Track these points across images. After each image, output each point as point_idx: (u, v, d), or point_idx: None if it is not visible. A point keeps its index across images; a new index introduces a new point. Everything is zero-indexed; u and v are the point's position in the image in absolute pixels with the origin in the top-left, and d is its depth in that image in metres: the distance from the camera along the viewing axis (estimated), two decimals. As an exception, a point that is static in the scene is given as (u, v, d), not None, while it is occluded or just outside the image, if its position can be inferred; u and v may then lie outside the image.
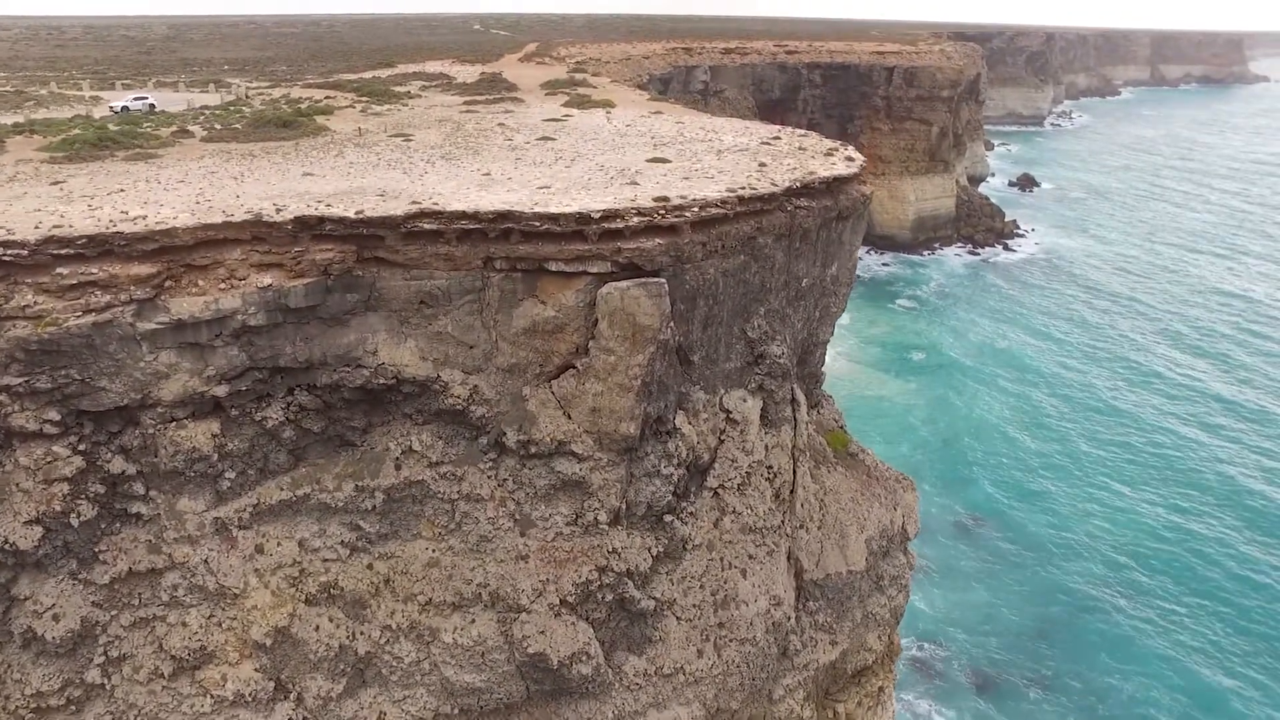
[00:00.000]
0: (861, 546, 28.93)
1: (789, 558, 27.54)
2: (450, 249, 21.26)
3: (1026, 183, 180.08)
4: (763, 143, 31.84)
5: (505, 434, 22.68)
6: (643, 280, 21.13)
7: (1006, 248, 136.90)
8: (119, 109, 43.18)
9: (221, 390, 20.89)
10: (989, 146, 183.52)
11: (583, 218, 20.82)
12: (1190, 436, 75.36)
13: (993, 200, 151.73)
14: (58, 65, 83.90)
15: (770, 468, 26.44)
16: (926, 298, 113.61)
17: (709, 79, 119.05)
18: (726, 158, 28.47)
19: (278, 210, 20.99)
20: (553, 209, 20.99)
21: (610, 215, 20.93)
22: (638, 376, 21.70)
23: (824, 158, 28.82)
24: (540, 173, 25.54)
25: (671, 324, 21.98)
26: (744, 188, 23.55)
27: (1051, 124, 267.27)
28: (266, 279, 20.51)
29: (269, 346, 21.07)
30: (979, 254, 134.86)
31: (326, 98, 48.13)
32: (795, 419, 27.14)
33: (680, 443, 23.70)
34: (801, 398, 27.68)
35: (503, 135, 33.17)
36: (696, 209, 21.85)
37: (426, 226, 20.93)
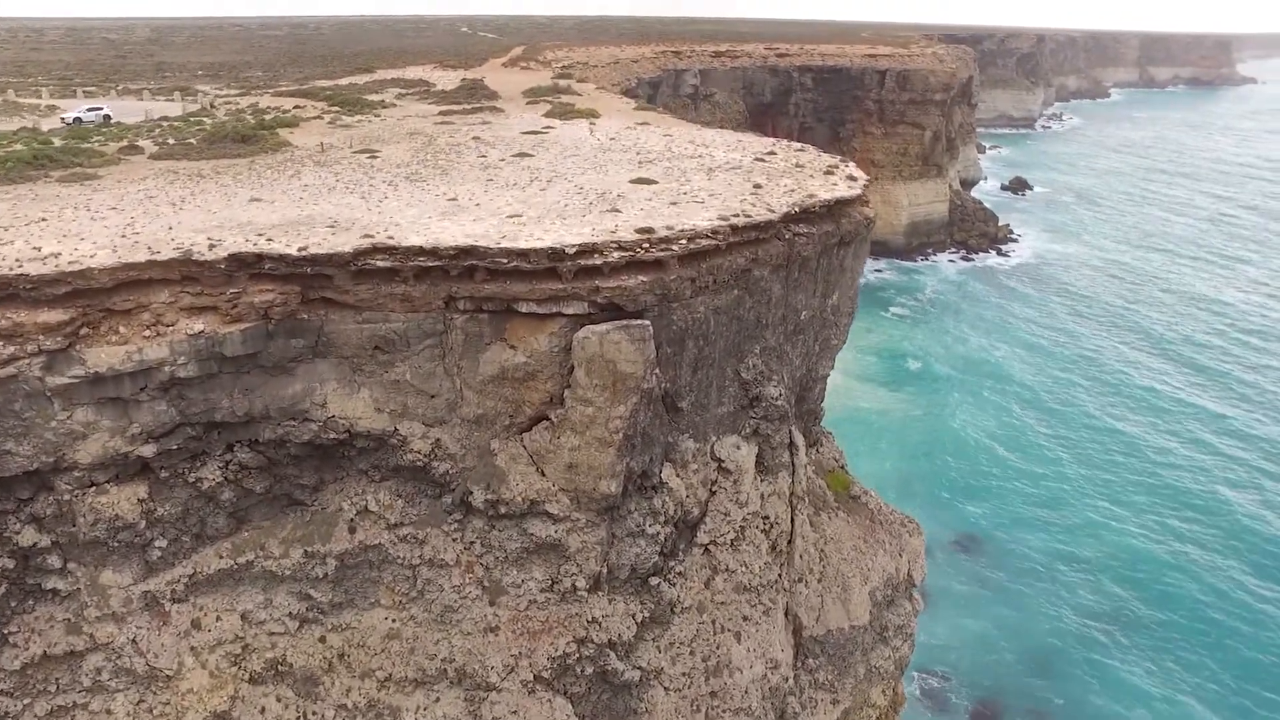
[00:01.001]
0: (865, 599, 26.69)
1: (787, 614, 25.26)
2: (407, 288, 18.88)
3: (1019, 186, 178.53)
4: (756, 159, 29.57)
5: (472, 492, 20.31)
6: (624, 323, 18.81)
7: (1000, 253, 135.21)
8: (71, 120, 40.60)
9: (149, 450, 18.46)
10: (980, 149, 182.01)
11: (556, 254, 18.48)
12: (1186, 452, 73.58)
13: (986, 205, 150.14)
14: (26, 70, 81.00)
15: (766, 518, 24.16)
16: (920, 305, 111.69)
17: (699, 83, 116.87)
18: (718, 177, 26.18)
19: (211, 246, 18.56)
20: (522, 243, 18.64)
21: (587, 250, 18.59)
22: (619, 430, 19.37)
23: (823, 176, 26.55)
24: (512, 197, 23.18)
25: (657, 370, 19.67)
26: (737, 215, 21.25)
27: (1042, 126, 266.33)
28: (198, 324, 18.09)
29: (203, 400, 18.64)
30: (972, 259, 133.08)
31: (295, 107, 45.64)
32: (793, 464, 24.87)
33: (667, 498, 21.39)
34: (800, 440, 25.40)
35: (476, 151, 30.79)
36: (685, 241, 19.54)
37: (380, 264, 18.55)
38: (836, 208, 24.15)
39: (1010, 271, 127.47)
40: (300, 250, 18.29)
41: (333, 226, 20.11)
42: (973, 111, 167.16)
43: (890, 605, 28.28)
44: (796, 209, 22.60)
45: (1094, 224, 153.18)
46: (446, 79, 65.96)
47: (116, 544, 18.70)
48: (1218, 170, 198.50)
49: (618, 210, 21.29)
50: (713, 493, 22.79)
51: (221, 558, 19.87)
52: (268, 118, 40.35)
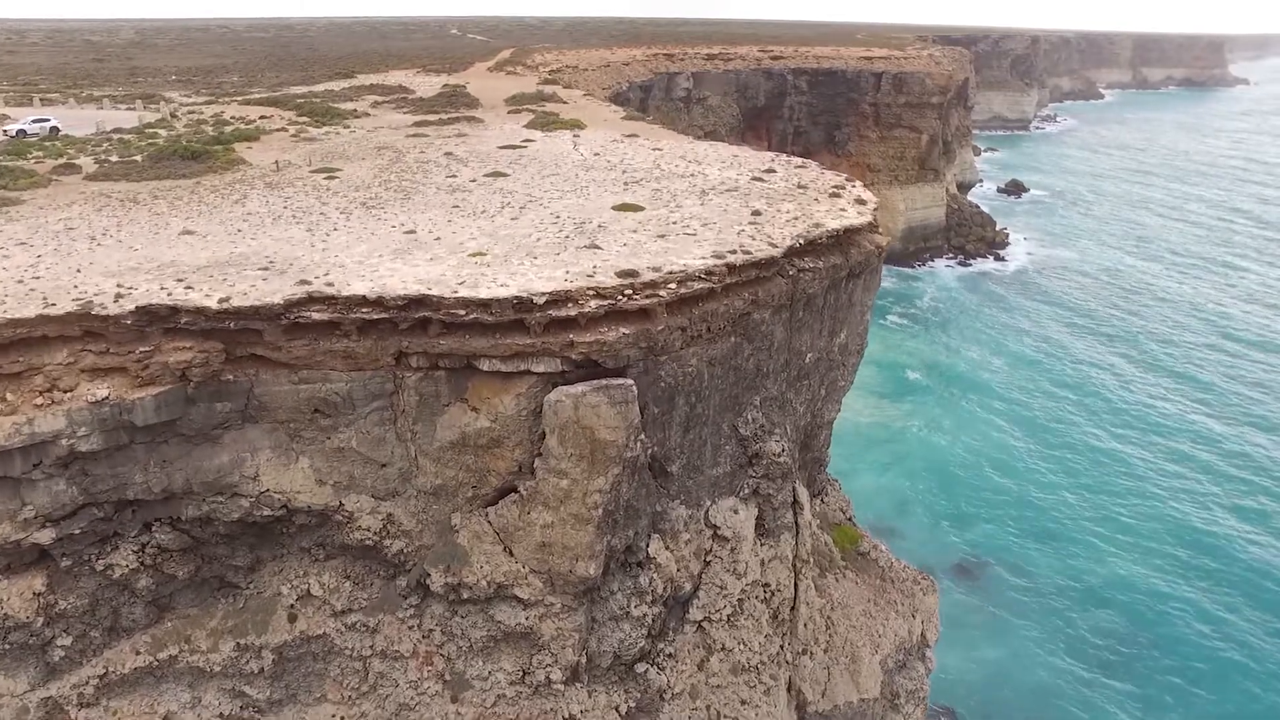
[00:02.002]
0: (875, 669, 24.05)
1: (790, 688, 22.61)
2: (350, 344, 16.15)
3: (1015, 189, 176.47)
4: (754, 178, 26.90)
5: (430, 574, 17.60)
6: (603, 383, 16.13)
7: (998, 258, 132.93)
8: (13, 133, 37.71)
9: (46, 536, 15.70)
10: (976, 151, 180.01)
11: (523, 304, 15.78)
12: (1188, 474, 71.09)
13: (983, 208, 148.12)
14: (-8, 75, 77.90)
15: (767, 585, 21.50)
16: (918, 314, 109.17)
17: (692, 86, 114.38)
18: (712, 201, 23.50)
19: (118, 297, 15.80)
20: (483, 291, 15.93)
21: (560, 300, 15.91)
22: (598, 505, 16.69)
23: (829, 200, 23.90)
24: (479, 229, 20.45)
25: (642, 436, 16.99)
26: (735, 250, 18.57)
27: (1036, 128, 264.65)
28: (102, 389, 15.35)
29: (111, 476, 15.90)
30: (970, 265, 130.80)
31: (261, 118, 42.82)
32: (797, 524, 22.21)
33: (655, 575, 18.71)
34: (804, 496, 22.74)
35: (446, 170, 28.04)
36: (674, 285, 16.86)
37: (316, 316, 15.82)
38: (845, 237, 21.51)
39: (1009, 278, 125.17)
40: (221, 302, 15.53)
41: (266, 269, 17.36)
42: (969, 114, 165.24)
43: (902, 669, 25.67)
44: (801, 241, 19.95)
45: (1090, 228, 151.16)
46: (428, 85, 63.17)
47: (8, 645, 15.93)
48: (1213, 173, 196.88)
49: (597, 246, 18.57)
50: (707, 563, 20.12)
51: (139, 653, 17.12)
52: (228, 130, 37.58)
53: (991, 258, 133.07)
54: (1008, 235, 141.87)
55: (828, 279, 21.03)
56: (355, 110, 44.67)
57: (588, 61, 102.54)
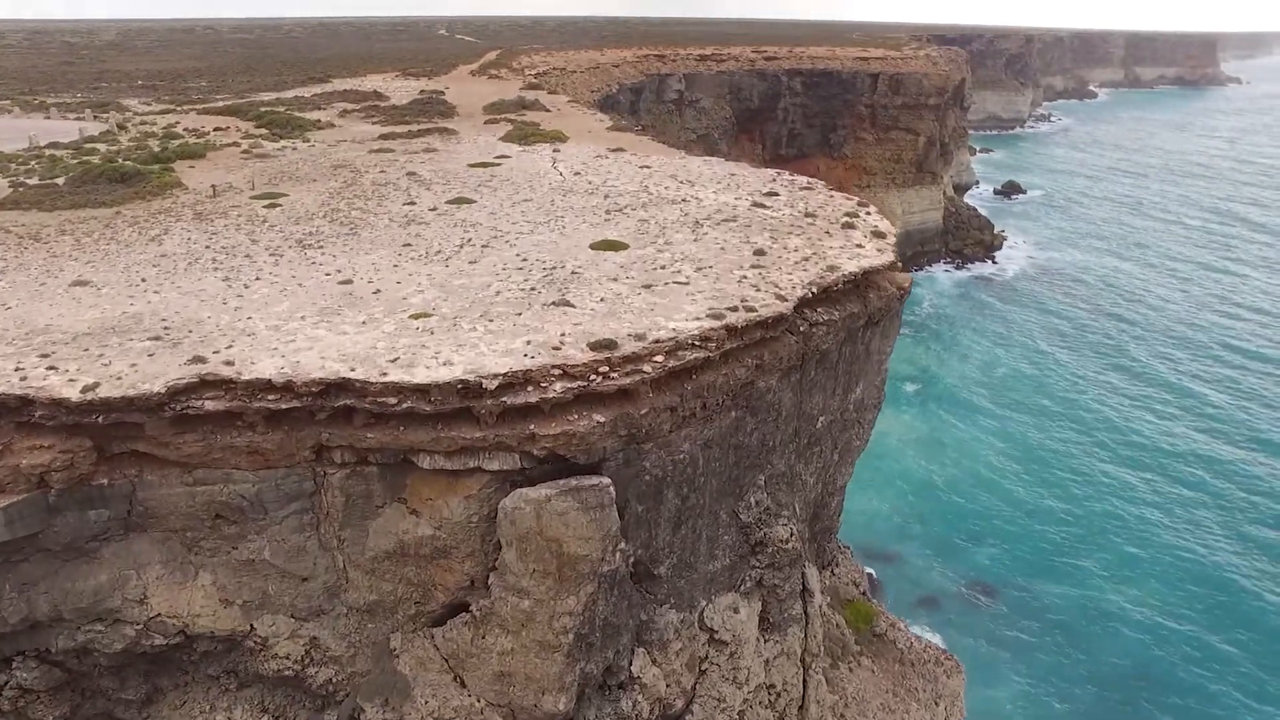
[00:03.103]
0: (898, 772, 20.87)
1: (800, 802, 19.42)
2: (255, 438, 12.88)
3: (1011, 190, 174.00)
4: (754, 203, 23.68)
5: (364, 708, 14.32)
6: (573, 483, 12.90)
7: (996, 262, 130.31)
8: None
9: None
10: (971, 152, 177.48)
11: (470, 389, 12.53)
12: (1209, 487, 68.15)
13: (980, 211, 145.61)
14: (-52, 80, 74.19)
15: (772, 687, 18.30)
16: (918, 321, 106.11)
17: (683, 88, 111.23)
18: (707, 236, 20.26)
19: (-43, 381, 12.49)
20: (419, 373, 12.66)
21: (516, 382, 12.66)
22: (568, 629, 13.45)
23: (842, 232, 20.69)
24: (428, 277, 17.15)
25: (622, 545, 13.77)
26: (735, 306, 15.35)
27: (1030, 127, 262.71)
28: (-65, 500, 12.04)
29: (-48, 605, 12.60)
30: (969, 269, 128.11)
31: (216, 129, 39.43)
32: (806, 614, 19.02)
33: (640, 696, 15.47)
34: (814, 579, 19.55)
35: (405, 195, 24.72)
36: (662, 357, 13.63)
37: (210, 406, 12.54)
38: (864, 279, 18.32)
39: (1009, 283, 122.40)
40: (86, 391, 12.22)
41: (159, 338, 14.06)
42: (965, 115, 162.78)
43: (925, 762, 22.49)
44: (814, 290, 16.74)
45: (1087, 230, 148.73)
46: (404, 90, 59.78)
47: None
48: (1207, 174, 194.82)
49: (568, 304, 15.29)
50: (703, 672, 16.90)
51: (2, 814, 13.82)
52: (173, 145, 34.18)
53: (989, 262, 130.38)
54: (1005, 238, 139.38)
55: (844, 331, 17.86)
56: (319, 121, 41.31)
57: (576, 63, 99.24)
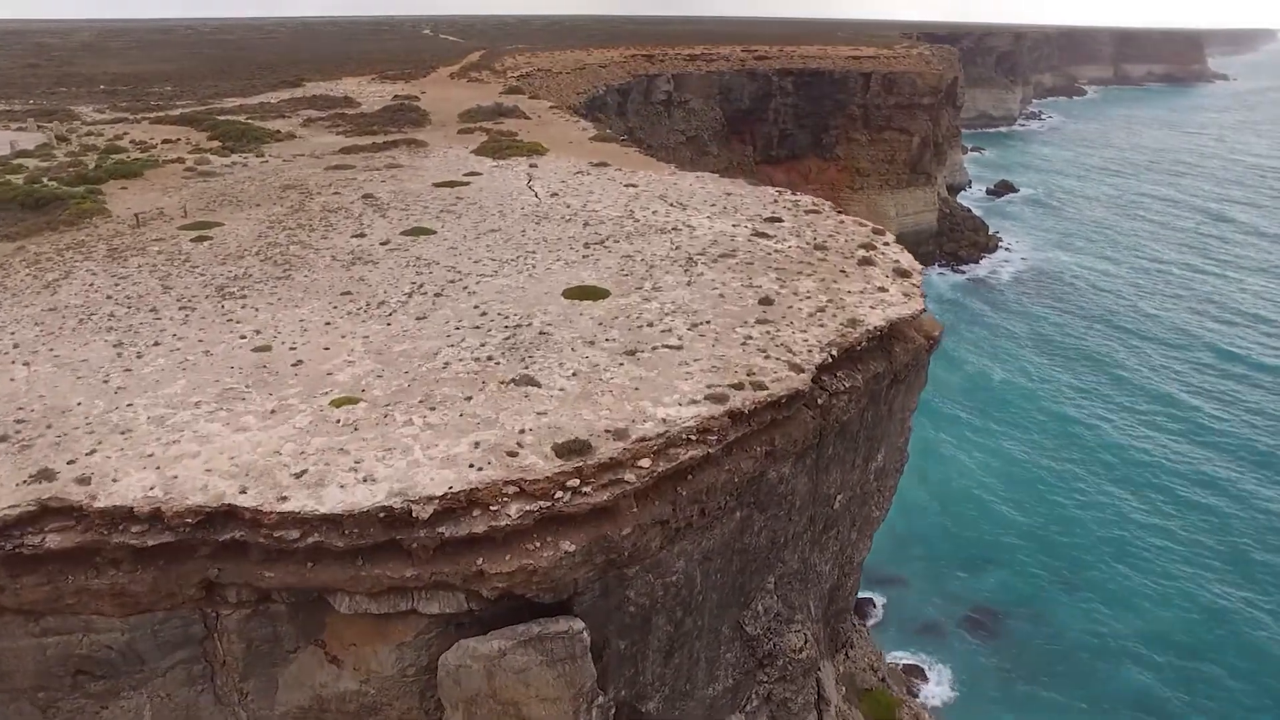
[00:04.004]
0: None
1: None
2: (120, 578, 9.80)
3: (1004, 189, 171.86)
4: (755, 232, 20.66)
5: None
6: (534, 631, 9.88)
7: (991, 264, 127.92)
8: None
9: None
10: (963, 151, 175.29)
11: (396, 518, 9.48)
12: (1221, 506, 65.64)
13: (974, 211, 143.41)
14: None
15: (786, 815, 15.34)
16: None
17: (672, 89, 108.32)
18: (703, 278, 17.23)
19: None
20: (328, 497, 9.60)
21: (457, 507, 9.61)
22: (534, 812, 10.42)
23: (859, 270, 17.71)
24: (364, 341, 14.06)
25: (601, 699, 10.74)
26: (742, 383, 12.33)
27: (1020, 125, 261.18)
28: None
29: None
30: (963, 271, 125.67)
31: (165, 141, 36.16)
32: (825, 726, 16.07)
33: None
34: (830, 683, 16.60)
35: (356, 224, 21.60)
36: (648, 460, 10.60)
37: (55, 543, 9.45)
38: (890, 334, 15.36)
39: (1005, 286, 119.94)
40: (-124, 529, 9.10)
41: (6, 438, 10.93)
42: (958, 114, 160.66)
43: None
44: (834, 353, 13.75)
45: (1085, 228, 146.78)
46: (378, 95, 56.55)
47: None
48: (1198, 172, 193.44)
49: (532, 381, 12.24)
50: (704, 816, 13.91)
51: None
52: (111, 161, 30.92)
53: (985, 264, 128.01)
54: (1000, 240, 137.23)
55: (866, 396, 14.89)
56: (279, 131, 38.04)
57: (562, 64, 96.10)
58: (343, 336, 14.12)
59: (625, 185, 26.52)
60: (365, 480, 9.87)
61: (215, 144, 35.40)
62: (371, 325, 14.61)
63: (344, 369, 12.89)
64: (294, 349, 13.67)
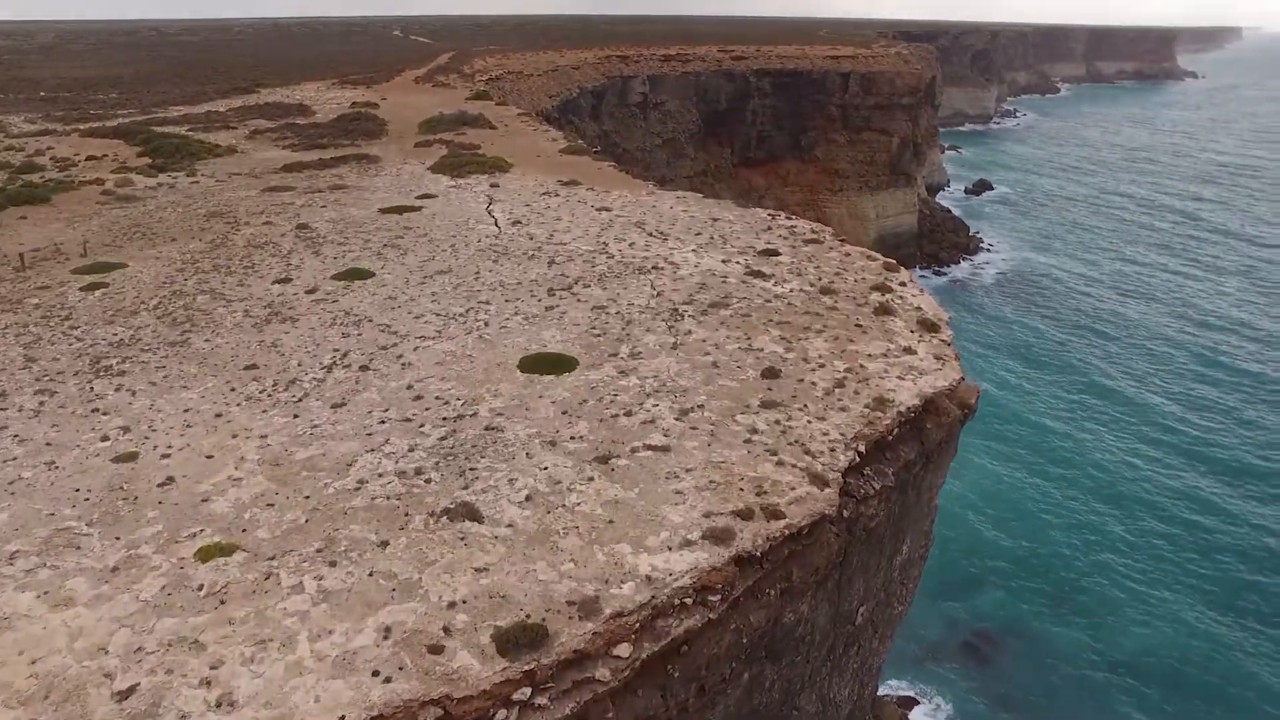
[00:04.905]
0: None
1: None
2: None
3: (982, 188, 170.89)
4: (750, 271, 17.70)
5: None
6: None
7: (973, 265, 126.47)
8: None
9: None
10: (941, 150, 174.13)
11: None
12: (1220, 521, 63.83)
13: (954, 211, 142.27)
14: None
15: None
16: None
17: (648, 90, 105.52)
18: (691, 338, 14.23)
19: None
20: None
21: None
22: None
23: (878, 322, 14.81)
24: (260, 443, 10.88)
25: None
26: (751, 509, 9.35)
27: (997, 123, 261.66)
28: None
29: None
30: (945, 273, 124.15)
31: (89, 158, 32.64)
32: None
33: None
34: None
35: (283, 265, 18.38)
36: (629, 646, 7.59)
37: None
38: (924, 411, 12.46)
39: (988, 288, 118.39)
40: None
41: None
42: (936, 114, 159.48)
43: None
44: (861, 449, 10.81)
45: (1064, 228, 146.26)
46: (335, 102, 53.06)
47: None
48: (1173, 172, 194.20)
49: (472, 514, 9.14)
50: None
51: None
52: (18, 184, 27.41)
53: (966, 265, 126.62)
54: (981, 240, 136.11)
55: (896, 491, 11.99)
56: (219, 146, 34.60)
57: (534, 66, 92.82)
58: (233, 436, 10.95)
59: (598, 209, 23.48)
60: (218, 706, 6.76)
61: (144, 161, 31.93)
62: (274, 418, 11.44)
63: (226, 491, 9.73)
64: (167, 456, 10.48)
